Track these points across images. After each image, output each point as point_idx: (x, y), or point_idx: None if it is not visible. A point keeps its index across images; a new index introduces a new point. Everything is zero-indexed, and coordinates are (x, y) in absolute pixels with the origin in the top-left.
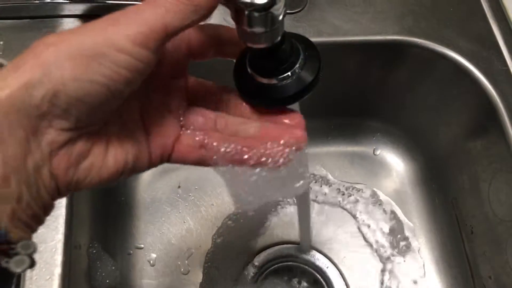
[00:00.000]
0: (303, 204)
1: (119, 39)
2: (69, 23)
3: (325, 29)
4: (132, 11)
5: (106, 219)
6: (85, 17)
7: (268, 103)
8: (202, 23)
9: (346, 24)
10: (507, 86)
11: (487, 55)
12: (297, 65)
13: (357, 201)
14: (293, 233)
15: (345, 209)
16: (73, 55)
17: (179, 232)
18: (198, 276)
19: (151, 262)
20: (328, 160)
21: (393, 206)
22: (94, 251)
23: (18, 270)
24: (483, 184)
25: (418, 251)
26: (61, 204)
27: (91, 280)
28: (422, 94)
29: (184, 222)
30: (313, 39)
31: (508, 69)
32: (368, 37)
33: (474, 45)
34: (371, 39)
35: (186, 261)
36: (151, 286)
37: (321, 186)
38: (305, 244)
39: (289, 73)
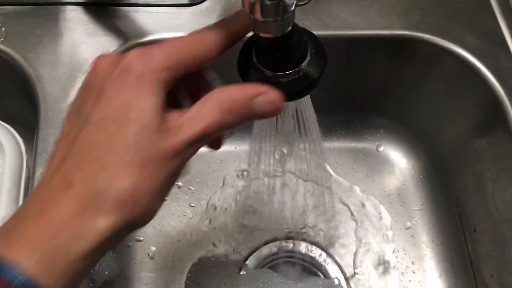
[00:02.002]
0: None
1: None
2: (72, 11)
3: (331, 22)
4: None
5: None
6: (88, 5)
7: None
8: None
9: (352, 18)
10: None
11: (495, 52)
12: (305, 62)
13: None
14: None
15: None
16: None
17: (179, 225)
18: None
19: (150, 255)
20: (331, 156)
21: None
22: None
23: None
24: (487, 183)
25: (419, 250)
26: None
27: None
28: (428, 90)
29: (184, 215)
30: (319, 32)
31: None
32: (375, 31)
33: (482, 42)
34: (378, 33)
35: (186, 255)
36: (150, 279)
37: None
38: None
39: (296, 68)
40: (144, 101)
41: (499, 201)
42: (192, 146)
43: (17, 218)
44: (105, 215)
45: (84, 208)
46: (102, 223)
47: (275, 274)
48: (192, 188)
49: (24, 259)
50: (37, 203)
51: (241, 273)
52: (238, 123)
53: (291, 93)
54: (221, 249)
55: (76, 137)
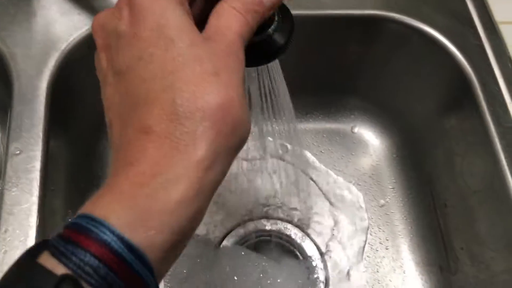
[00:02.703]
0: None
1: None
2: None
3: (303, 2)
4: None
5: (83, 190)
6: None
7: None
8: None
9: None
10: (480, 61)
11: (462, 31)
12: (272, 26)
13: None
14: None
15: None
16: None
17: None
18: None
19: None
20: (307, 138)
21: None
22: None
23: None
24: (457, 158)
25: (393, 227)
26: (36, 168)
27: None
28: (399, 70)
29: None
30: (292, 12)
31: (482, 44)
32: (346, 11)
33: (450, 21)
34: (349, 13)
35: None
36: None
37: None
38: None
39: (263, 33)
40: (175, 13)
41: (468, 175)
42: (239, 45)
43: (108, 180)
44: (201, 138)
45: (173, 145)
46: (199, 150)
47: (251, 251)
48: None
49: (113, 214)
50: (120, 162)
51: (218, 251)
52: (257, 23)
53: (258, 58)
54: (198, 229)
55: (121, 84)
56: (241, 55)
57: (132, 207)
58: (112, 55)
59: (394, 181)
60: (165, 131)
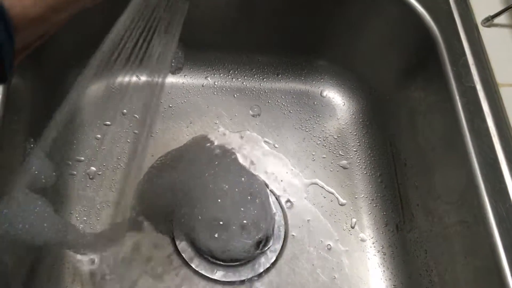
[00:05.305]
0: None
1: None
2: None
3: None
4: None
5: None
6: None
7: None
8: None
9: None
10: (448, 24)
11: None
12: None
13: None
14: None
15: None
16: None
17: (122, 149)
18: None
19: (90, 175)
20: (277, 97)
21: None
22: (31, 147)
23: None
24: (418, 117)
25: (354, 187)
26: None
27: (26, 173)
28: (369, 32)
29: (128, 141)
30: None
31: (450, 9)
32: None
33: None
34: None
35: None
36: (89, 197)
37: None
38: None
39: None
40: None
41: (428, 132)
42: None
43: None
44: None
45: None
46: None
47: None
48: (137, 116)
49: None
50: None
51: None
52: None
53: None
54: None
55: None
56: None
57: None
58: None
59: (358, 143)
60: None
